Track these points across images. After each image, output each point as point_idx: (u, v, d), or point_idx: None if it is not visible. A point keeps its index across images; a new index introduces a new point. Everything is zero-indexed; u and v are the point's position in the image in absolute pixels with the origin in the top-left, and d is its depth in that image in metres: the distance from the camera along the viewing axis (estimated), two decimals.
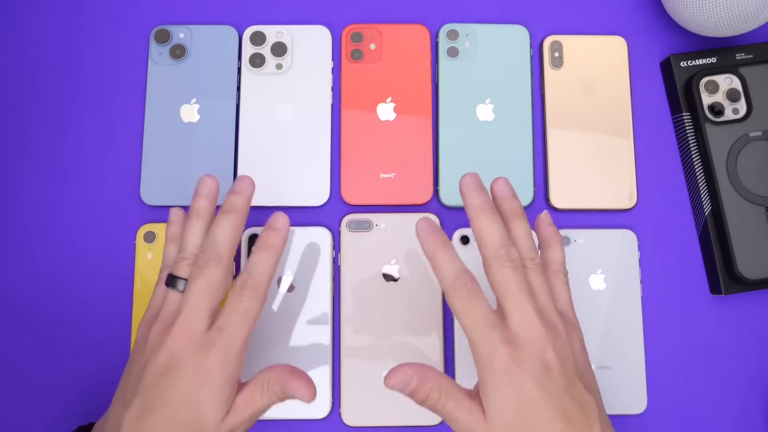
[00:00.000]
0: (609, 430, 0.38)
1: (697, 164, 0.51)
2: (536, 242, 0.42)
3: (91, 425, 0.43)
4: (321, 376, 0.48)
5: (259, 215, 0.51)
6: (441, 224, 0.50)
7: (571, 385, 0.37)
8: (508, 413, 0.36)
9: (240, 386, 0.39)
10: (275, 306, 0.49)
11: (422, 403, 0.37)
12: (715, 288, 0.50)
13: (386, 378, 0.37)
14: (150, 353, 0.38)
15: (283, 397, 0.38)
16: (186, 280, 0.40)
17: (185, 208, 0.44)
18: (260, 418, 0.47)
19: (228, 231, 0.40)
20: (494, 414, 0.36)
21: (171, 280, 0.40)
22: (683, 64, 0.52)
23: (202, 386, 0.36)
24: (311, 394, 0.38)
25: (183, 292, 0.39)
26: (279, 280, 0.49)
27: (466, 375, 0.48)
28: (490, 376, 0.36)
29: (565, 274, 0.42)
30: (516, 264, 0.38)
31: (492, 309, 0.37)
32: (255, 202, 0.50)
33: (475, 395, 0.38)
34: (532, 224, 0.47)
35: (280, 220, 0.40)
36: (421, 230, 0.39)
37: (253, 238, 0.49)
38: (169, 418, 0.36)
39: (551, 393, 0.36)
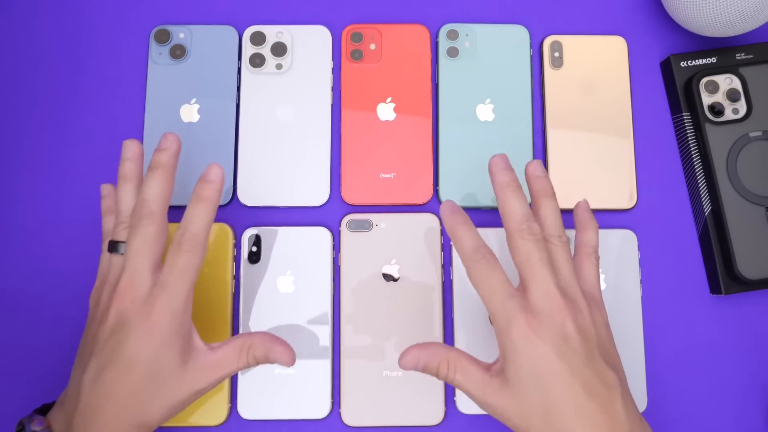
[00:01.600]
0: (633, 409, 0.38)
1: (697, 164, 0.51)
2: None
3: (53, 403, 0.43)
4: (321, 375, 0.48)
5: (259, 215, 0.51)
6: (441, 224, 0.50)
7: (592, 358, 0.37)
8: (527, 380, 0.37)
9: (212, 348, 0.40)
10: (275, 306, 0.49)
11: (438, 377, 0.39)
12: (715, 288, 0.50)
13: (399, 360, 0.40)
14: (101, 316, 0.40)
15: (262, 362, 0.41)
16: (125, 242, 0.41)
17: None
18: (263, 417, 0.48)
19: (156, 187, 0.41)
20: (513, 381, 0.37)
21: (112, 246, 0.41)
22: (683, 64, 0.52)
23: (150, 340, 0.38)
24: (292, 359, 0.41)
25: (123, 254, 0.41)
26: (281, 280, 0.49)
27: None
28: (508, 344, 0.37)
29: (597, 258, 0.43)
30: (538, 238, 0.39)
31: (508, 280, 0.39)
32: (257, 203, 0.50)
33: (491, 367, 0.39)
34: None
35: (213, 171, 0.41)
36: (444, 210, 0.41)
37: (253, 239, 0.49)
38: (125, 373, 0.38)
39: (571, 363, 0.37)
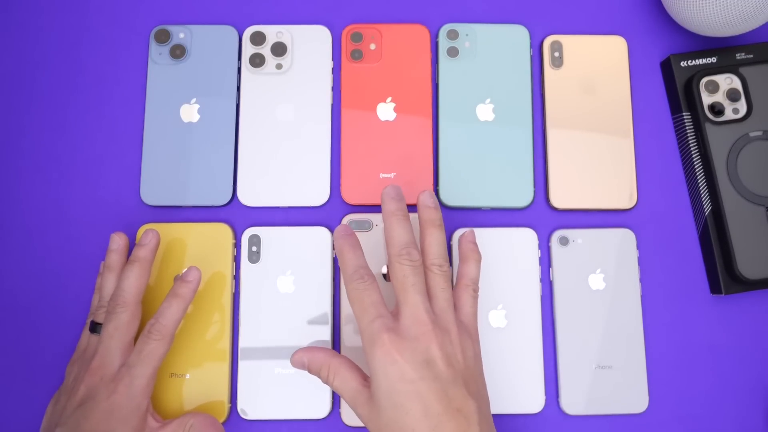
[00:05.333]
0: None
1: (697, 164, 0.51)
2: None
3: None
4: None
5: (260, 215, 0.51)
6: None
7: (454, 385, 0.39)
8: (386, 398, 0.39)
9: (162, 424, 0.44)
10: (275, 306, 0.49)
11: (321, 380, 0.43)
12: (715, 288, 0.50)
13: (290, 358, 0.44)
14: (71, 389, 0.43)
15: None
16: (101, 325, 0.45)
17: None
18: (263, 417, 0.48)
19: (132, 279, 0.45)
20: (375, 397, 0.39)
21: (92, 326, 0.46)
22: (683, 64, 0.52)
23: (111, 416, 0.41)
24: None
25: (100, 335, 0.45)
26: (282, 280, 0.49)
27: None
28: (372, 363, 0.40)
29: (475, 290, 0.44)
30: (416, 265, 0.42)
31: (383, 302, 0.41)
32: (257, 203, 0.50)
33: (368, 379, 0.42)
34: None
35: (192, 273, 0.45)
36: (337, 233, 0.44)
37: (253, 239, 0.49)
38: None
39: (430, 386, 0.38)
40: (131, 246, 0.49)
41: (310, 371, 0.43)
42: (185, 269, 0.46)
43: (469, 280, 0.44)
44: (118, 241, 0.48)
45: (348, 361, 0.43)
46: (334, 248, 0.44)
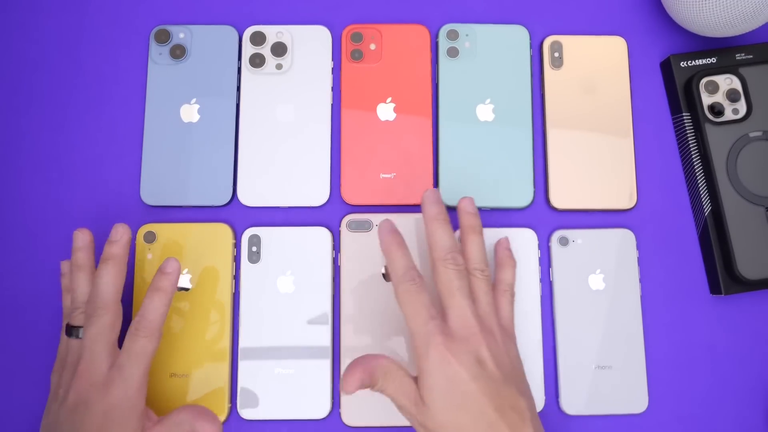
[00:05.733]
0: None
1: (697, 164, 0.51)
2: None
3: None
4: (321, 375, 0.48)
5: (260, 215, 0.51)
6: None
7: (505, 384, 0.40)
8: (442, 399, 0.39)
9: (154, 422, 0.43)
10: (275, 306, 0.49)
11: (373, 388, 0.41)
12: (715, 288, 0.50)
13: (343, 387, 0.41)
14: (61, 398, 0.42)
15: None
16: (81, 327, 0.43)
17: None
18: (263, 417, 0.48)
19: (109, 278, 0.43)
20: (430, 399, 0.39)
21: (69, 330, 0.44)
22: (683, 64, 0.52)
23: (107, 419, 0.40)
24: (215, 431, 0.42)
25: (81, 338, 0.43)
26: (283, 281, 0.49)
27: None
28: (425, 364, 0.40)
29: (512, 294, 0.45)
30: (460, 269, 0.42)
31: (434, 304, 0.41)
32: (257, 203, 0.50)
33: (416, 380, 0.41)
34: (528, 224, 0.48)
35: (170, 264, 0.44)
36: (382, 230, 0.44)
37: (253, 239, 0.49)
38: None
39: (485, 385, 0.39)
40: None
41: (372, 388, 0.41)
42: (163, 261, 0.44)
43: (506, 285, 0.46)
44: (82, 238, 0.46)
45: (396, 363, 0.41)
46: (380, 245, 0.43)
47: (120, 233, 0.45)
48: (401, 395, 0.40)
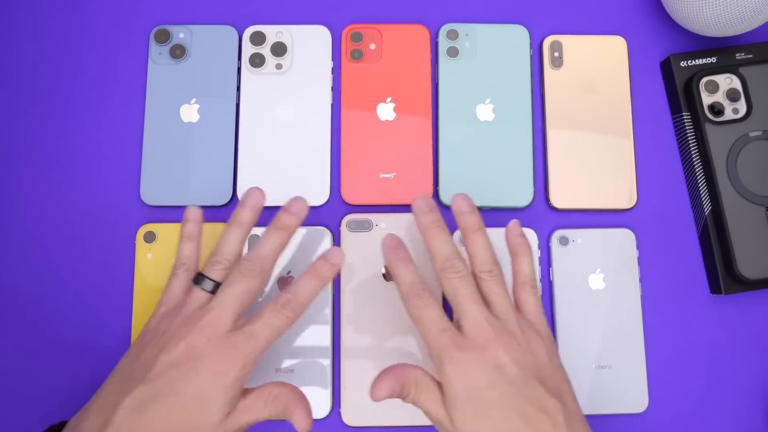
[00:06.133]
0: None
1: (697, 164, 0.51)
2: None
3: (63, 423, 0.41)
4: (321, 375, 0.48)
5: (260, 215, 0.51)
6: None
7: (529, 386, 0.38)
8: (466, 412, 0.38)
9: (244, 392, 0.40)
10: None
11: (405, 399, 0.40)
12: (715, 288, 0.50)
13: (372, 394, 0.39)
14: (166, 344, 0.38)
15: (282, 416, 0.40)
16: (215, 282, 0.41)
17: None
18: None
19: (276, 246, 0.42)
20: (454, 414, 0.38)
21: (199, 279, 0.41)
22: (683, 64, 0.52)
23: (217, 383, 0.38)
24: (305, 428, 0.39)
25: (211, 292, 0.41)
26: (282, 279, 0.49)
27: None
28: (444, 379, 0.38)
29: (533, 286, 0.43)
30: (462, 275, 0.41)
31: (445, 315, 0.40)
32: None
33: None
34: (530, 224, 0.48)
35: (335, 254, 0.43)
36: (386, 245, 0.43)
37: (253, 239, 0.49)
38: (173, 411, 0.37)
39: (506, 392, 0.37)
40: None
41: (402, 396, 0.40)
42: (327, 251, 0.43)
43: (524, 277, 0.43)
44: (258, 198, 0.44)
45: (429, 375, 0.40)
46: (384, 262, 0.42)
47: (300, 207, 0.43)
48: (433, 408, 0.39)
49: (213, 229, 0.50)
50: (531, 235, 0.50)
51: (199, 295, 0.41)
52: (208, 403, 0.38)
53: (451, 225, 0.50)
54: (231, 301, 0.40)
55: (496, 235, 0.50)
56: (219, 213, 0.51)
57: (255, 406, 0.39)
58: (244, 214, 0.43)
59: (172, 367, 0.38)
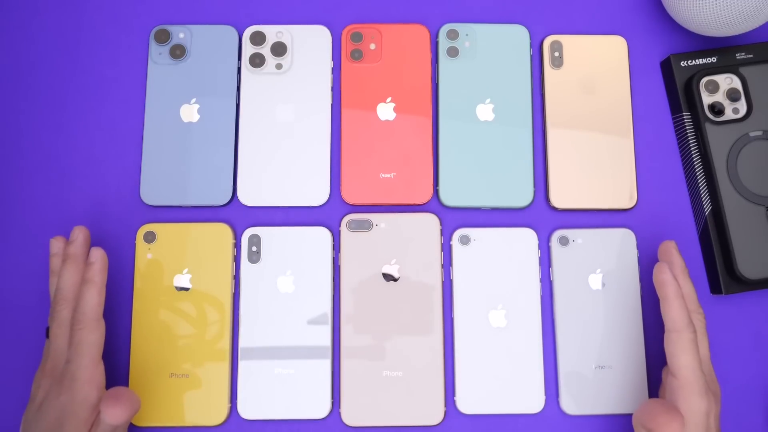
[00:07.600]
0: None
1: (697, 164, 0.51)
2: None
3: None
4: (321, 375, 0.48)
5: (260, 215, 0.51)
6: (441, 224, 0.50)
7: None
8: None
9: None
10: (275, 306, 0.49)
11: None
12: (715, 288, 0.50)
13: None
14: (33, 397, 0.44)
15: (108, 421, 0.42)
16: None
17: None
18: (263, 417, 0.47)
19: (68, 276, 0.45)
20: None
21: (46, 332, 0.46)
22: (683, 63, 0.52)
23: (62, 413, 0.42)
24: (114, 415, 0.41)
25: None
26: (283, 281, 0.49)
27: (466, 376, 0.48)
28: (690, 419, 0.41)
29: (694, 332, 0.43)
30: (693, 340, 0.42)
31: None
32: (257, 203, 0.50)
33: None
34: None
35: (93, 254, 0.45)
36: (660, 273, 0.43)
37: (253, 239, 0.49)
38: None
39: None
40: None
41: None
42: (90, 252, 0.45)
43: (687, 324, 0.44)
44: (57, 245, 0.48)
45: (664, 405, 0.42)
46: (443, 225, 0.44)
47: (75, 234, 0.46)
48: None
49: (213, 229, 0.50)
50: (531, 235, 0.50)
51: (47, 344, 0.45)
52: (61, 430, 0.42)
53: (452, 225, 0.51)
54: (54, 342, 0.44)
55: (496, 235, 0.50)
56: (219, 213, 0.51)
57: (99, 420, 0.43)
58: (52, 262, 0.47)
59: (36, 411, 0.43)
